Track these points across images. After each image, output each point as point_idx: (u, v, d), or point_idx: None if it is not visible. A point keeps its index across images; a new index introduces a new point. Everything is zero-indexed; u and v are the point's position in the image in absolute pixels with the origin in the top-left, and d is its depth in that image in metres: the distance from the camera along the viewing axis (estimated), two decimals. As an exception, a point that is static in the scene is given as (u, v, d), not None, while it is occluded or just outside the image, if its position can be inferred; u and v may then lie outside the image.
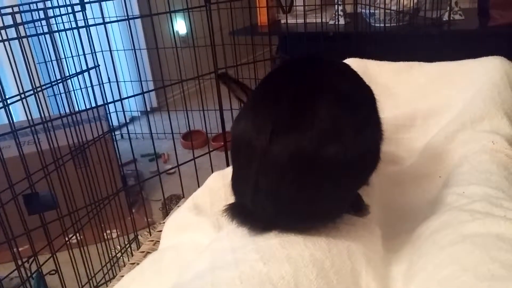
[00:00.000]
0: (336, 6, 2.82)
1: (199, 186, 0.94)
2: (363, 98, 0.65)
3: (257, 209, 0.63)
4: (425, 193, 0.83)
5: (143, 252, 0.91)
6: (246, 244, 0.65)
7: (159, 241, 0.90)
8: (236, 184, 0.66)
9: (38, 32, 1.28)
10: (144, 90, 2.65)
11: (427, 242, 0.64)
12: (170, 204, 1.94)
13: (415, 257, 0.63)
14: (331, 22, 2.89)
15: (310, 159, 0.57)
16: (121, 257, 1.73)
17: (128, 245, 1.73)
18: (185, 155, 2.56)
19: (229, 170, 0.97)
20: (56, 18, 1.32)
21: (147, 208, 2.13)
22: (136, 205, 2.18)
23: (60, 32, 1.39)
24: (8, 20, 1.10)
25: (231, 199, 0.70)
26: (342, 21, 2.85)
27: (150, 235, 1.10)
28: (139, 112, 3.28)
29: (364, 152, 0.60)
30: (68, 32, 1.37)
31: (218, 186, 0.90)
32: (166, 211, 1.93)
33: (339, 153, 0.57)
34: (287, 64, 0.73)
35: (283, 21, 3.06)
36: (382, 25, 2.58)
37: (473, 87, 0.95)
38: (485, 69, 0.97)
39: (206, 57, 1.98)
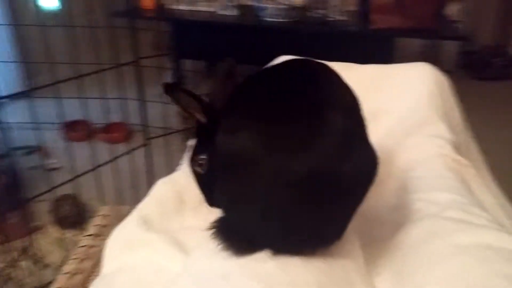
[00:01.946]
0: (227, -4, 2.77)
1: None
2: (359, 106, 0.63)
3: (261, 229, 0.56)
4: (383, 198, 0.83)
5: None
6: (238, 269, 0.57)
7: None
8: (235, 201, 0.58)
9: None
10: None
11: (413, 254, 0.63)
12: (63, 205, 1.69)
13: (404, 270, 0.62)
14: (222, 12, 2.83)
15: (329, 176, 0.53)
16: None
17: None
18: (69, 148, 2.27)
19: (176, 176, 0.87)
20: None
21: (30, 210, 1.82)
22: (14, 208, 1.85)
23: None
24: None
25: (188, 210, 0.62)
26: (233, 12, 2.81)
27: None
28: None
29: (373, 163, 0.58)
30: None
31: (167, 195, 0.80)
32: (58, 214, 1.68)
33: (354, 168, 0.54)
34: (280, 69, 0.65)
35: (170, 7, 2.89)
36: (272, 19, 2.62)
37: (409, 92, 1.00)
38: (418, 75, 1.03)
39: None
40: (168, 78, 2.81)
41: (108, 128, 2.39)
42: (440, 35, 2.54)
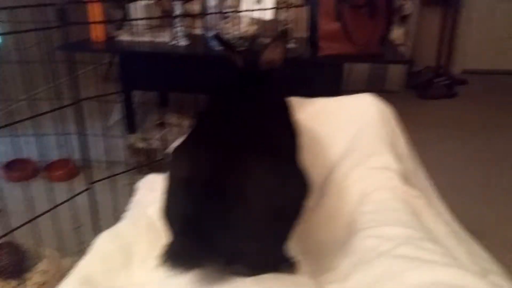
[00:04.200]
0: (176, 26, 2.76)
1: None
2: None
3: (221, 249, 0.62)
4: (334, 234, 0.83)
5: None
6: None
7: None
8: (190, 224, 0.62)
9: None
10: None
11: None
12: (1, 254, 1.57)
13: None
14: (172, 42, 2.81)
15: (280, 202, 0.62)
16: None
17: None
18: (11, 188, 2.14)
19: (122, 227, 0.82)
20: None
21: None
22: None
23: None
24: None
25: (136, 263, 0.61)
26: (183, 42, 2.80)
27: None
28: None
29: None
30: None
31: (112, 250, 0.75)
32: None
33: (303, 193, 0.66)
34: (227, 100, 0.75)
35: (118, 38, 2.84)
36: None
37: (354, 124, 1.01)
38: (362, 106, 1.04)
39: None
40: (118, 110, 2.74)
41: (51, 166, 2.28)
42: (385, 60, 2.63)
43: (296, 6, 1.68)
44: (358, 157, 0.93)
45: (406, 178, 0.92)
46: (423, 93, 3.41)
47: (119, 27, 2.96)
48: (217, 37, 0.91)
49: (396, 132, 1.01)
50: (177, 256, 0.61)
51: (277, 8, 1.64)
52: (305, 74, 2.63)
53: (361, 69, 3.44)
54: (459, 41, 4.15)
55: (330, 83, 2.63)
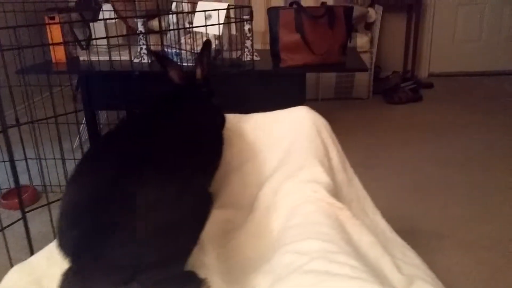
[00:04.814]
0: (139, 44, 2.76)
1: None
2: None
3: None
4: (261, 251, 0.83)
5: None
6: None
7: None
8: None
9: None
10: None
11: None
12: None
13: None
14: (136, 60, 2.81)
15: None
16: None
17: None
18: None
19: (35, 260, 0.79)
20: None
21: None
22: None
23: None
24: None
25: None
26: (147, 59, 2.80)
27: None
28: None
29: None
30: None
31: (21, 284, 0.73)
32: None
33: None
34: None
35: (82, 58, 2.84)
36: (186, 64, 2.64)
37: (288, 137, 1.02)
38: (295, 119, 1.05)
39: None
40: (84, 131, 2.72)
41: (9, 194, 2.22)
42: (346, 68, 2.67)
43: (242, 21, 1.70)
44: (288, 171, 0.93)
45: (336, 190, 0.93)
46: (390, 98, 3.46)
47: (86, 47, 2.96)
48: (154, 53, 0.96)
49: (328, 144, 1.02)
50: (73, 283, 0.61)
51: (227, 23, 1.66)
52: (269, 85, 2.66)
53: (328, 78, 3.48)
54: (424, 45, 4.23)
55: (293, 93, 2.66)
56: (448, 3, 4.10)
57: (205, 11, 1.60)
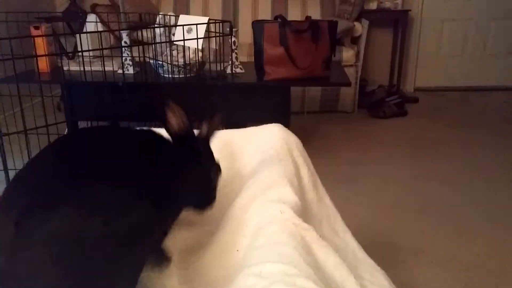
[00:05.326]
0: (123, 56, 2.76)
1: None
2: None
3: None
4: (224, 270, 0.82)
5: None
6: None
7: None
8: None
9: None
10: None
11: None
12: None
13: None
14: (120, 71, 2.80)
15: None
16: None
17: None
18: None
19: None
20: None
21: None
22: None
23: None
24: None
25: None
26: (131, 70, 2.79)
27: None
28: None
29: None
30: None
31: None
32: None
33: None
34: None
35: (65, 68, 2.82)
36: (170, 76, 2.63)
37: (258, 156, 1.01)
38: (266, 137, 1.04)
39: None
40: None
41: None
42: (329, 82, 2.68)
43: (223, 35, 1.70)
44: (256, 190, 0.92)
45: (305, 210, 0.93)
46: (374, 112, 3.48)
47: (72, 57, 2.95)
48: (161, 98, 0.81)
49: (299, 163, 1.01)
50: None
51: (207, 37, 1.66)
52: (253, 98, 2.66)
53: (314, 91, 3.50)
54: (409, 60, 4.28)
55: (278, 106, 2.67)
56: (433, 18, 4.16)
57: (183, 25, 1.59)
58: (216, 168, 0.91)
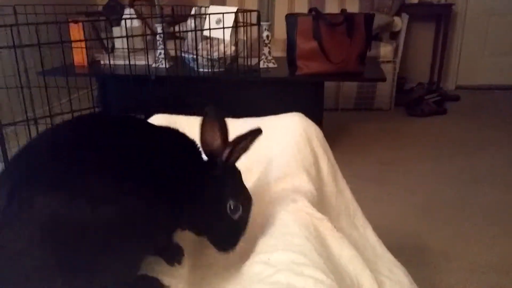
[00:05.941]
0: (158, 49, 2.80)
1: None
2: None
3: None
4: (235, 258, 0.80)
5: None
6: None
7: None
8: None
9: None
10: None
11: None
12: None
13: None
14: (154, 65, 2.84)
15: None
16: None
17: None
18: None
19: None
20: None
21: None
22: None
23: None
24: None
25: None
26: (165, 64, 2.83)
27: None
28: None
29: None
30: None
31: None
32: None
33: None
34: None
35: (103, 62, 2.89)
36: (205, 70, 2.64)
37: (278, 145, 0.98)
38: (286, 126, 1.02)
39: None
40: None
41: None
42: (363, 78, 2.61)
43: (252, 25, 1.68)
44: (274, 178, 0.90)
45: (322, 201, 0.90)
46: (412, 110, 3.37)
47: (111, 51, 3.01)
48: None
49: (318, 154, 0.98)
50: None
51: (234, 27, 1.65)
52: (285, 93, 2.63)
53: (349, 87, 3.43)
54: (452, 56, 4.11)
55: (311, 102, 2.62)
56: (480, 13, 3.96)
57: (208, 14, 1.58)
58: (241, 204, 0.74)
